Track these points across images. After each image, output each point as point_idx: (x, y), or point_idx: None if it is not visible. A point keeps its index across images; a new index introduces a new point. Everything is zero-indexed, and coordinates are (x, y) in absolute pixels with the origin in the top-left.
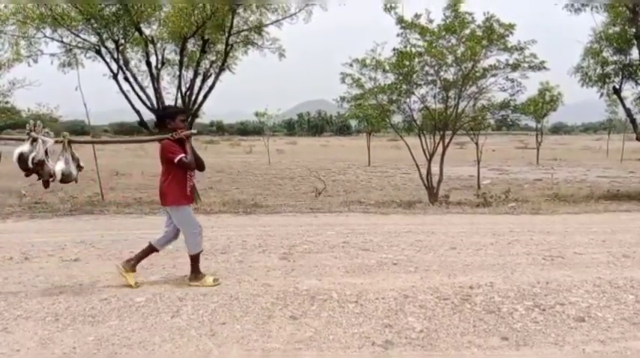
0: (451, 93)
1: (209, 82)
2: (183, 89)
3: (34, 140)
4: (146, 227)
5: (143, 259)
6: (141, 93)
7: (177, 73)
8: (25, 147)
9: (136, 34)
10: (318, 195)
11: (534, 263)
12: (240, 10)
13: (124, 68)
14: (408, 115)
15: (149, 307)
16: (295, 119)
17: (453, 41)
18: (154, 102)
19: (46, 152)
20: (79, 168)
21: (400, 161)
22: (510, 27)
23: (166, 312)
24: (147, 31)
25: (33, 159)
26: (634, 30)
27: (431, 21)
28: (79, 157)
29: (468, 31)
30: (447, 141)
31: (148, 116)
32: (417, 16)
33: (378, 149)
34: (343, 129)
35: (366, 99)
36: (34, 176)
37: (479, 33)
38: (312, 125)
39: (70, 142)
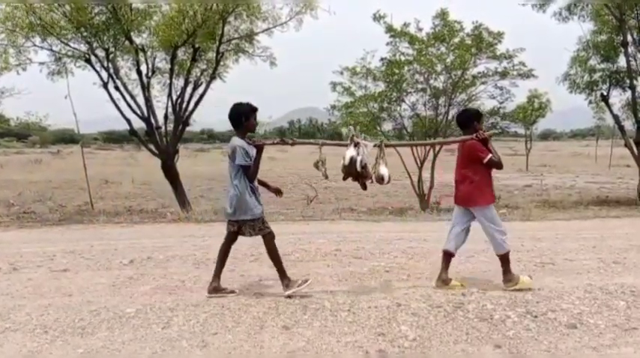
0: (441, 101)
1: (200, 90)
2: (174, 97)
3: (356, 145)
4: (136, 236)
5: (448, 268)
6: (131, 102)
7: (168, 81)
8: (353, 152)
9: (127, 42)
10: (310, 203)
11: (525, 269)
12: (231, 19)
13: (114, 77)
14: (398, 123)
15: (139, 318)
16: (286, 126)
17: (443, 49)
18: (145, 110)
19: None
20: None
21: (391, 168)
22: (499, 35)
23: (157, 323)
24: (137, 40)
25: (361, 162)
26: (620, 38)
27: (420, 29)
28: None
29: (457, 40)
30: (437, 148)
31: (138, 124)
32: (406, 24)
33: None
34: (334, 137)
35: (356, 107)
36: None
37: (468, 41)
38: (303, 132)
39: (386, 146)
